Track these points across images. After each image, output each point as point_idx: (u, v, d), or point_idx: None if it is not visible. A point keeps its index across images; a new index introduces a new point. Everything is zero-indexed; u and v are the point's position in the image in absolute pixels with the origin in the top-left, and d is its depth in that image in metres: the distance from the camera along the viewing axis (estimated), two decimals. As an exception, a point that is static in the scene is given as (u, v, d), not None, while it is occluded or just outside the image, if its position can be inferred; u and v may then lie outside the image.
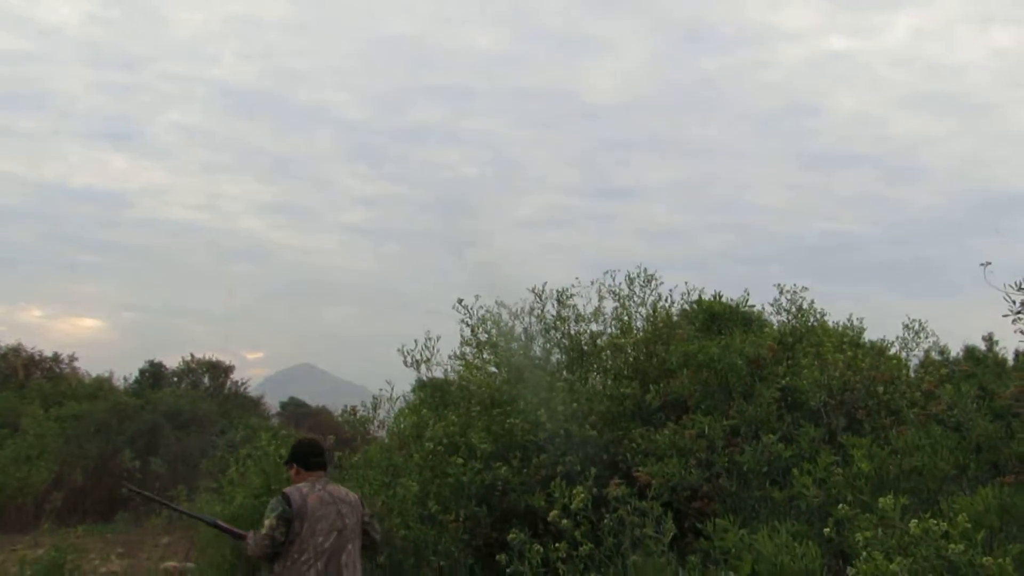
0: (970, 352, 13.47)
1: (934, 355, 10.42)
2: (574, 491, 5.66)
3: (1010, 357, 13.49)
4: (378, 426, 11.11)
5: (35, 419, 16.49)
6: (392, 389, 9.85)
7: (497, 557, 6.50)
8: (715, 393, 6.18)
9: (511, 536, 6.05)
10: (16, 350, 20.72)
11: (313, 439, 6.20)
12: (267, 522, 5.20)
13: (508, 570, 5.73)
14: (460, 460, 7.16)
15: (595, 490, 5.94)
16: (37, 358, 21.00)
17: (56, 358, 21.29)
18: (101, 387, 20.11)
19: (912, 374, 8.14)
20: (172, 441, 16.89)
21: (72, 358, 21.81)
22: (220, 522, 5.44)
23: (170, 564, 11.36)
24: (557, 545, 5.42)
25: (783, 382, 6.29)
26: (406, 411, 8.79)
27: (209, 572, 10.88)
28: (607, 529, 5.47)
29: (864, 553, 3.43)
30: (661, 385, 6.65)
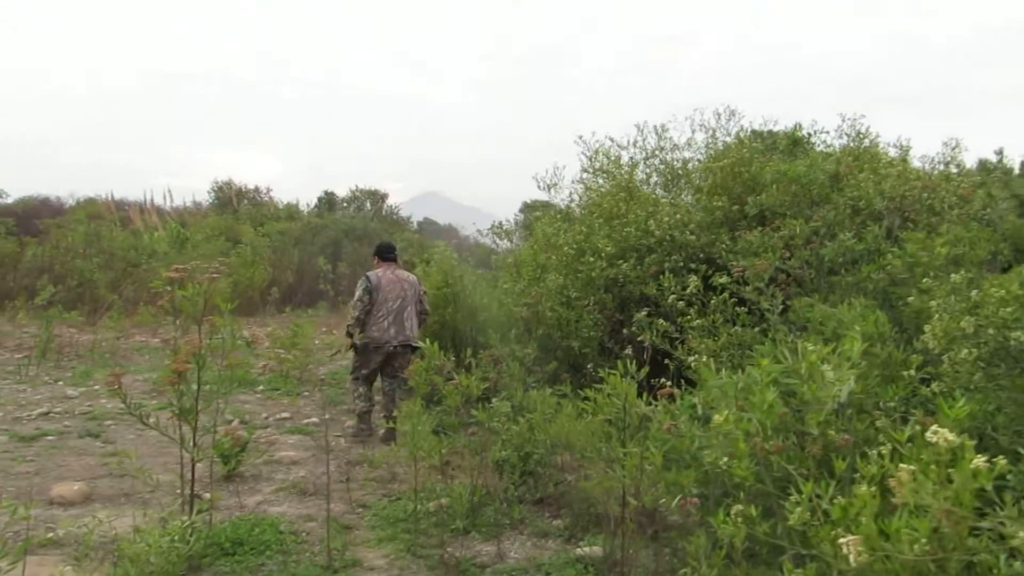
0: (983, 164, 13.03)
1: (953, 168, 10.14)
2: (689, 279, 5.91)
3: (1016, 167, 13.16)
4: (517, 237, 11.51)
5: (249, 235, 17.44)
6: (522, 212, 10.21)
7: (624, 330, 6.92)
8: (800, 203, 6.26)
9: (636, 316, 6.42)
10: (229, 184, 21.63)
11: (387, 242, 7.61)
12: (357, 293, 6.82)
13: (639, 338, 6.09)
14: (591, 259, 7.44)
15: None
16: (244, 189, 21.91)
17: (257, 189, 22.19)
18: (292, 212, 20.98)
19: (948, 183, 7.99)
20: (350, 250, 17.68)
21: (269, 189, 22.71)
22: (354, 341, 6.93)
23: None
24: (688, 316, 5.68)
25: (853, 193, 6.30)
26: (544, 222, 9.03)
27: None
28: (714, 307, 5.72)
29: (937, 316, 3.62)
30: (756, 198, 6.71)
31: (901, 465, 1.69)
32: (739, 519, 2.19)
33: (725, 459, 2.30)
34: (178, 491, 4.51)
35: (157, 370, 9.23)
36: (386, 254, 7.13)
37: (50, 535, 4.21)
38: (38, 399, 7.77)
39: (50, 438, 6.39)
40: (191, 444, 3.86)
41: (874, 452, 1.97)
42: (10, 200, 20.53)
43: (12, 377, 8.76)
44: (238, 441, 3.87)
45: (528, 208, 24.55)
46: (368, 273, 6.93)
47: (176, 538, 2.83)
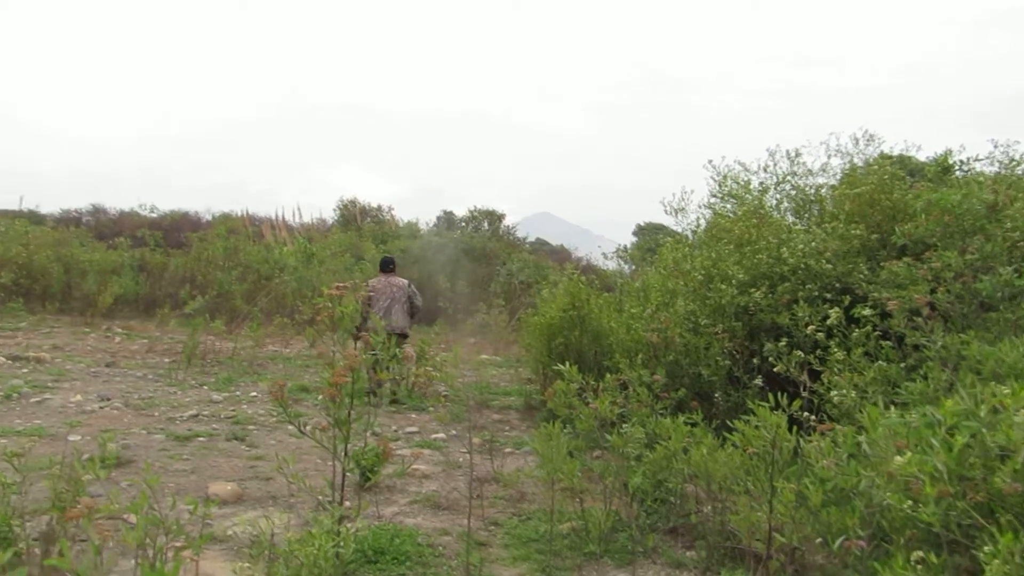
0: None
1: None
2: (830, 311, 5.74)
3: None
4: (640, 260, 11.46)
5: (371, 252, 18.06)
6: (635, 235, 10.15)
7: (755, 359, 6.78)
8: (953, 234, 5.98)
9: (770, 346, 6.28)
10: (353, 202, 22.49)
11: (386, 256, 10.01)
12: (362, 295, 8.18)
13: (775, 368, 5.95)
14: (723, 286, 7.33)
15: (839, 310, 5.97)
16: (367, 208, 22.71)
17: (380, 208, 22.94)
18: (412, 230, 21.59)
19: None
20: (469, 269, 18.02)
21: (391, 208, 23.44)
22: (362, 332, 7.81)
23: (484, 356, 12.46)
24: (830, 348, 5.53)
25: (1010, 224, 5.97)
26: (670, 246, 8.97)
27: (510, 362, 11.85)
28: (856, 340, 5.53)
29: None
30: (904, 227, 6.46)
31: None
32: (918, 566, 2.13)
33: (909, 502, 2.24)
34: (321, 497, 4.73)
35: (291, 379, 9.70)
36: (384, 267, 9.60)
37: (228, 532, 4.51)
38: (187, 402, 8.32)
39: (201, 439, 6.83)
40: (342, 454, 4.06)
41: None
42: (156, 215, 22.07)
43: (163, 380, 9.41)
44: (387, 454, 4.05)
45: (642, 231, 24.36)
46: (369, 280, 9.44)
47: (341, 543, 2.99)
